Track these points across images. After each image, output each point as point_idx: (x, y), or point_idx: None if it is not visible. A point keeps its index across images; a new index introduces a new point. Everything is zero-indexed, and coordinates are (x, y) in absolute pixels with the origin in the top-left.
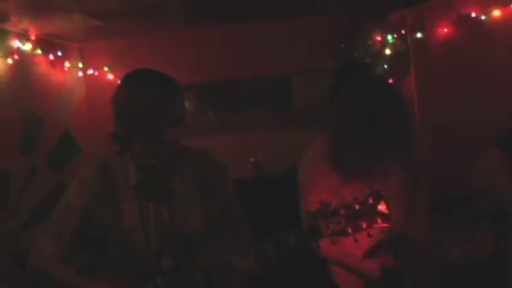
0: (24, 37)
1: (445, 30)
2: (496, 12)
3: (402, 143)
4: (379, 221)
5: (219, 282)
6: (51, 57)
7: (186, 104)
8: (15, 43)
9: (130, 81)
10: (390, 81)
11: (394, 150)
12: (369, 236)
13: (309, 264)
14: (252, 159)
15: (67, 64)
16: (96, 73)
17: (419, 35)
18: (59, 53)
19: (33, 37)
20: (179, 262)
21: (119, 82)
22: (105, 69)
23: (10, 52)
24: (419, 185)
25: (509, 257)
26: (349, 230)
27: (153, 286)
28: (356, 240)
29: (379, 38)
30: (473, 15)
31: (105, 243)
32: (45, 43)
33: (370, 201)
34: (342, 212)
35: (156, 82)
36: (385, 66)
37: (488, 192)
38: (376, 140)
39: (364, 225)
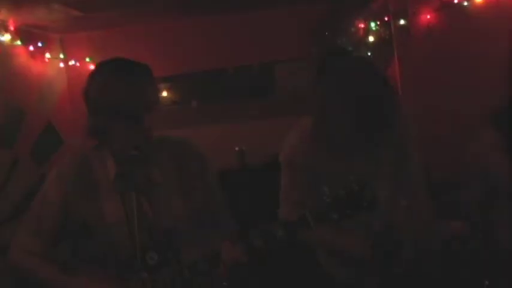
0: (3, 28)
1: (428, 16)
2: None
3: (388, 122)
4: (365, 206)
5: (204, 274)
6: (31, 48)
7: (170, 94)
8: None
9: (100, 71)
10: None
11: (380, 130)
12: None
13: (297, 254)
14: (237, 148)
15: (47, 55)
16: (78, 64)
17: (402, 21)
18: (39, 44)
19: (12, 28)
20: (163, 255)
21: None
22: (87, 60)
23: None
24: (408, 162)
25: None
26: (335, 216)
27: (139, 280)
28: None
29: (362, 26)
30: (456, 1)
31: (86, 238)
32: (25, 34)
33: (355, 187)
34: (327, 199)
35: (127, 69)
36: (369, 54)
37: (480, 175)
38: (362, 120)
39: (349, 212)
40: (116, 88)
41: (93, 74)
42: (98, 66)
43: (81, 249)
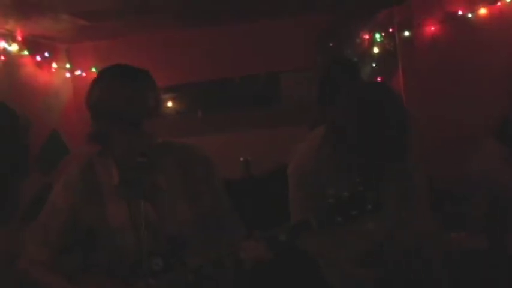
0: (10, 38)
1: (432, 28)
2: (483, 10)
3: (399, 153)
4: (369, 207)
5: (210, 280)
6: (38, 58)
7: (175, 104)
8: (1, 44)
9: (102, 77)
10: (378, 79)
11: (391, 159)
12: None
13: (300, 264)
14: (242, 159)
15: (54, 65)
16: (84, 74)
17: (406, 33)
18: (46, 54)
19: (19, 38)
20: (169, 261)
21: None
22: (93, 70)
23: None
24: (413, 186)
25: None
26: (339, 219)
27: (144, 286)
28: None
29: (366, 37)
30: (460, 13)
31: (93, 245)
32: (32, 44)
33: (360, 188)
34: (331, 200)
35: (127, 75)
36: (373, 65)
37: (483, 185)
38: (382, 150)
39: (355, 214)
40: (116, 94)
41: (95, 80)
42: (100, 73)
43: (89, 257)
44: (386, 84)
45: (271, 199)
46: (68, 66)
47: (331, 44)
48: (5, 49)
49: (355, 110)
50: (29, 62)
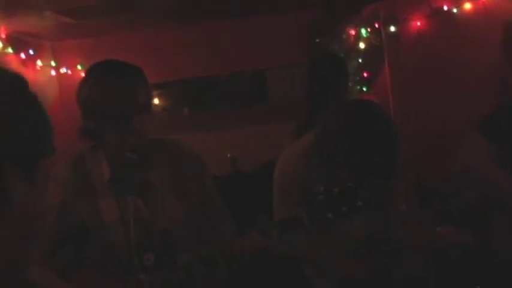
0: None
1: (418, 23)
2: (467, 5)
3: (388, 167)
4: (359, 203)
5: (202, 276)
6: (22, 56)
7: (161, 101)
8: None
9: (91, 73)
10: (365, 74)
11: (379, 174)
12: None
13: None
14: (229, 155)
15: (39, 63)
16: (69, 72)
17: (392, 28)
18: (31, 52)
19: (3, 35)
20: (161, 257)
21: None
22: (78, 67)
23: None
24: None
25: (497, 245)
26: (330, 215)
27: (136, 282)
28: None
29: (353, 32)
30: (446, 8)
31: (84, 242)
32: (16, 42)
33: (350, 185)
34: (321, 197)
35: (116, 71)
36: (360, 60)
37: (470, 182)
38: (372, 160)
39: (345, 210)
40: (104, 90)
41: (84, 76)
42: (89, 69)
43: (81, 252)
44: (372, 101)
45: (259, 195)
46: (53, 63)
47: (317, 40)
48: None
49: (344, 129)
50: (13, 60)
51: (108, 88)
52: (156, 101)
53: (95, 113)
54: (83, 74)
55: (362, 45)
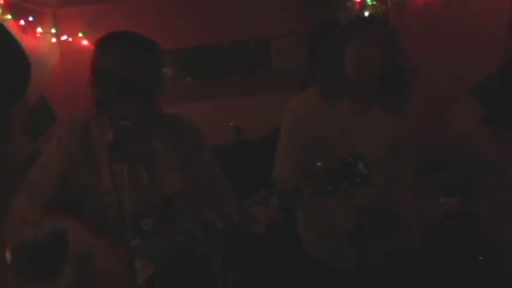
0: None
1: None
2: None
3: (395, 89)
4: (358, 180)
5: (199, 241)
6: (22, 22)
7: (164, 70)
8: None
9: (102, 43)
10: None
11: (385, 98)
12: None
13: (283, 240)
14: (231, 124)
15: (39, 30)
16: (71, 39)
17: None
18: (31, 18)
19: (2, 1)
20: (160, 223)
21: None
22: (80, 35)
23: None
24: (404, 148)
25: (481, 216)
26: (330, 189)
27: (132, 247)
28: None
29: (358, 0)
30: None
31: (81, 206)
32: (16, 8)
33: (350, 160)
34: (322, 171)
35: (127, 42)
36: None
37: (462, 150)
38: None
39: (345, 184)
40: (115, 60)
41: (98, 46)
42: (102, 39)
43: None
44: None
45: (264, 163)
46: (53, 31)
47: (322, 8)
48: None
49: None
50: (13, 27)
51: (119, 58)
52: None
53: (105, 83)
54: (84, 42)
55: (367, 13)
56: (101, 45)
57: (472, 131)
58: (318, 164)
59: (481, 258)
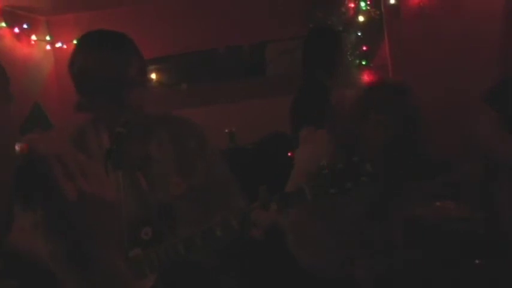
0: None
1: None
2: None
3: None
4: (364, 180)
5: (199, 250)
6: (16, 30)
7: (159, 76)
8: None
9: (79, 45)
10: (364, 48)
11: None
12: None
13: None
14: (227, 130)
15: (33, 37)
16: (65, 46)
17: (392, 1)
18: (25, 26)
19: None
20: (159, 232)
21: None
22: (74, 42)
23: None
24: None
25: (498, 217)
26: (333, 191)
27: (131, 256)
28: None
29: (352, 5)
30: None
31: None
32: (10, 15)
33: (355, 159)
34: (325, 171)
35: (102, 43)
36: (359, 34)
37: (482, 154)
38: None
39: (349, 186)
40: (92, 62)
41: (75, 46)
42: (78, 40)
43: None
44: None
45: (258, 169)
46: (48, 38)
47: (316, 13)
48: None
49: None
50: (6, 34)
51: (96, 59)
52: (153, 75)
53: (87, 86)
54: None
55: (361, 18)
56: (77, 46)
57: (488, 134)
58: (321, 163)
59: (477, 261)
